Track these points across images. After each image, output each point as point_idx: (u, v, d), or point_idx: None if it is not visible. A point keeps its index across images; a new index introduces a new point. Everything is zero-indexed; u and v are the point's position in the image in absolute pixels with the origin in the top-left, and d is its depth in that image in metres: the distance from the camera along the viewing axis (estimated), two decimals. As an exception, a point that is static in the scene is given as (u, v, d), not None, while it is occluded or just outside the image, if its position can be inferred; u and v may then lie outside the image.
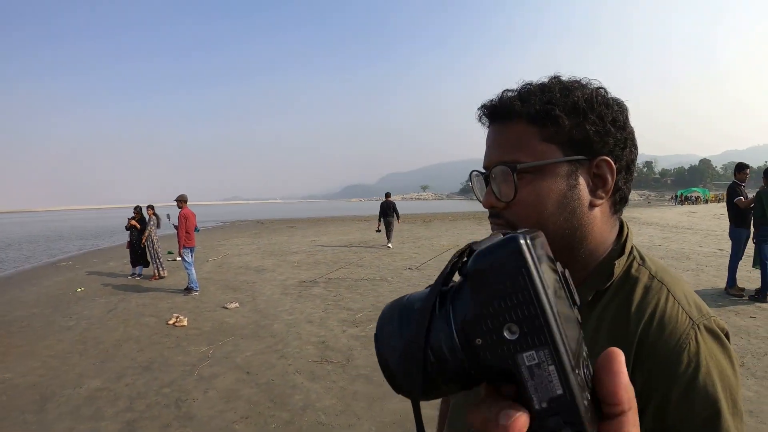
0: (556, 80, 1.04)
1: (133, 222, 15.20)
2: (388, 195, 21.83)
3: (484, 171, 1.09)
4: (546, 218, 1.00)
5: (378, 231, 21.60)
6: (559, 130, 0.99)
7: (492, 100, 1.07)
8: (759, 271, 9.24)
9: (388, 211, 21.11)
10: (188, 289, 11.95)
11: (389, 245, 20.73)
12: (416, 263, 14.87)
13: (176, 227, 12.33)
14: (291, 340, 7.75)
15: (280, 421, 5.04)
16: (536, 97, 1.01)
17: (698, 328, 0.93)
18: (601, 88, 1.04)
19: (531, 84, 1.05)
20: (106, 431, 5.15)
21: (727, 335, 0.97)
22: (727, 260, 10.06)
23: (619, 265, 1.04)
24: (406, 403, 5.26)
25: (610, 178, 1.01)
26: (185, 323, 9.07)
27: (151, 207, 15.18)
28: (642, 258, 1.08)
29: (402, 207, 23.57)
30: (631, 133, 1.05)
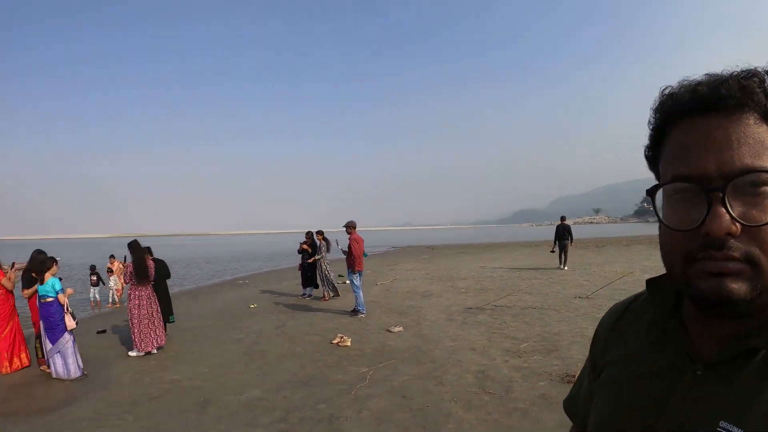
0: None
1: (305, 246, 15.69)
2: (563, 218, 22.21)
3: (696, 182, 0.77)
4: None
5: (552, 252, 22.36)
6: None
7: (701, 83, 0.80)
8: None
9: (563, 233, 21.38)
10: (355, 311, 12.12)
11: (564, 267, 21.25)
12: (586, 291, 14.16)
13: (345, 252, 12.58)
14: (450, 367, 7.54)
15: (430, 449, 4.88)
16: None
17: None
18: None
19: (754, 69, 0.78)
20: (258, 439, 5.26)
21: None
22: None
23: None
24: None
25: None
26: (348, 343, 9.15)
27: (320, 232, 15.60)
28: None
29: (573, 231, 22.96)
30: None
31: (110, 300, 17.59)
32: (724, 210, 0.73)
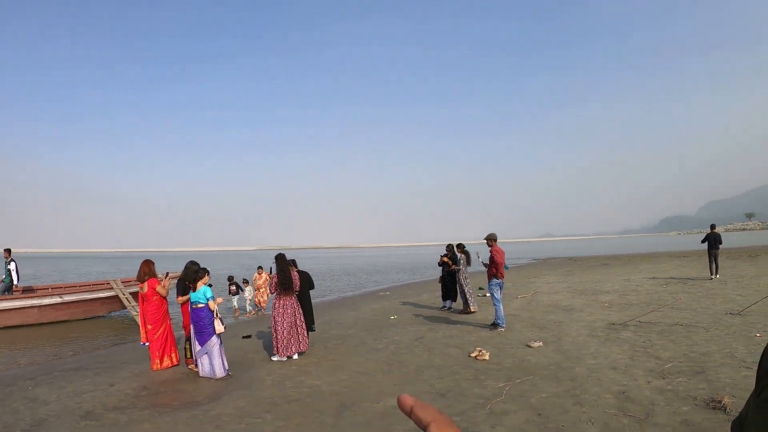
0: None
1: (446, 258, 15.83)
2: (713, 227, 22.29)
3: None
4: None
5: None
6: None
7: None
8: None
9: (713, 243, 21.53)
10: (495, 325, 12.12)
11: (716, 276, 21.29)
12: (739, 307, 13.36)
13: (485, 264, 12.61)
14: (590, 386, 7.41)
15: (567, 471, 4.85)
16: None
17: None
18: None
19: None
20: (390, 447, 5.42)
21: None
22: None
23: None
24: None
25: None
26: (487, 357, 9.18)
27: (460, 246, 15.66)
28: None
29: (724, 240, 21.98)
30: None
31: (247, 308, 18.76)
32: None
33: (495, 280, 12.20)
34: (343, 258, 79.27)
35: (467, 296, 14.98)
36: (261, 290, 18.89)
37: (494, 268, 12.22)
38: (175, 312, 10.43)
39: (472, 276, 16.20)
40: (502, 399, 6.94)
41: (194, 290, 8.97)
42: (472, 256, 15.29)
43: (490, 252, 12.34)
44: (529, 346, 10.02)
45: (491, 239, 12.39)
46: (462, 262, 15.22)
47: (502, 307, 12.17)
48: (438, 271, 16.65)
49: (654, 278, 23.31)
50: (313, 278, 11.83)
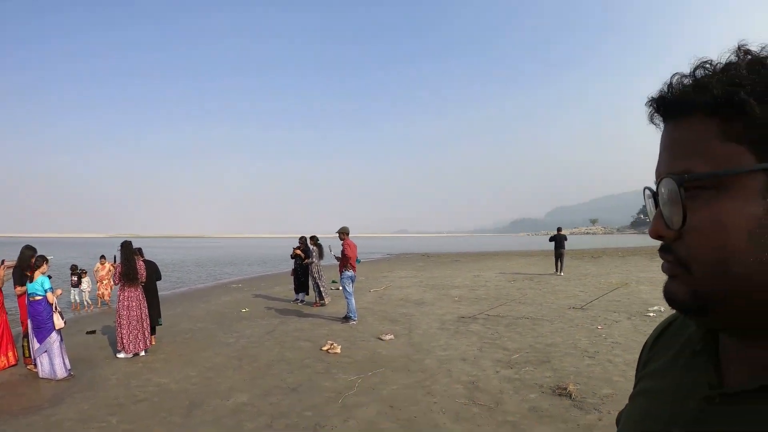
0: (744, 53, 0.71)
1: (298, 251, 15.69)
2: (559, 229, 25.03)
3: (653, 189, 0.80)
4: (731, 257, 0.68)
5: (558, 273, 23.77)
6: (750, 123, 0.67)
7: (661, 89, 0.78)
8: None
9: (559, 243, 23.92)
10: (346, 318, 12.07)
11: (561, 273, 23.46)
12: (581, 302, 14.07)
13: (337, 258, 12.53)
14: (441, 377, 7.46)
15: (417, 461, 4.78)
16: (715, 78, 0.71)
17: None
18: None
19: (710, 62, 0.74)
20: (242, 445, 5.17)
21: None
22: None
23: None
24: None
25: None
26: (338, 350, 9.08)
27: (313, 238, 15.54)
28: None
29: (570, 242, 23.63)
30: None
31: (84, 302, 17.45)
32: (658, 214, 0.76)
33: (347, 273, 12.20)
34: (196, 248, 77.11)
35: (320, 289, 14.86)
36: (104, 282, 17.40)
37: (345, 262, 12.24)
38: (12, 306, 9.55)
39: (325, 269, 16.06)
40: (354, 392, 6.84)
41: (31, 280, 8.19)
42: (325, 250, 15.19)
43: (342, 245, 12.32)
44: (381, 339, 10.02)
45: (343, 233, 12.34)
46: (315, 254, 15.09)
47: (353, 301, 12.16)
48: (291, 264, 16.40)
49: (503, 274, 24.36)
50: (162, 269, 11.28)
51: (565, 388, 6.65)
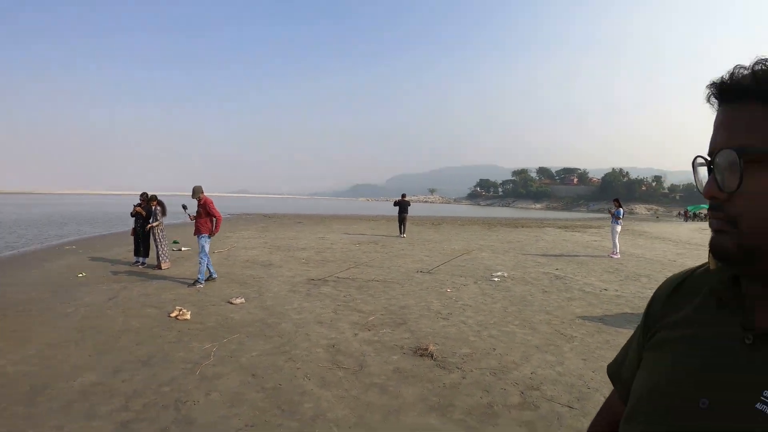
0: None
1: (139, 209, 14.82)
2: (404, 195, 26.59)
3: (707, 158, 0.93)
4: None
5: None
6: None
7: (722, 77, 0.91)
8: None
9: (403, 208, 25.90)
10: (196, 281, 11.57)
11: (404, 235, 25.38)
12: (428, 266, 14.49)
13: (192, 217, 12.03)
14: (300, 342, 7.33)
15: (289, 431, 4.63)
16: None
17: None
18: None
19: (766, 61, 0.87)
20: (98, 432, 4.75)
21: None
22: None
23: None
24: (423, 418, 4.90)
25: None
26: (188, 317, 8.67)
27: (154, 198, 14.77)
28: None
29: (411, 208, 24.49)
30: None
31: None
32: (711, 179, 0.90)
33: (205, 235, 11.76)
34: (23, 206, 71.64)
35: (159, 251, 14.17)
36: None
37: (208, 221, 11.93)
38: None
39: (168, 229, 15.38)
40: (212, 362, 6.52)
41: None
42: (173, 209, 14.51)
43: (202, 203, 11.87)
44: (232, 303, 9.71)
45: (200, 191, 11.84)
46: (159, 214, 14.36)
47: (206, 263, 11.71)
48: (131, 223, 15.53)
49: (348, 237, 24.59)
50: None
51: (426, 349, 6.78)
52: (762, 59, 0.86)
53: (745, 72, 0.87)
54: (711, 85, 0.92)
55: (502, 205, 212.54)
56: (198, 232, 11.84)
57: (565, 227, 36.97)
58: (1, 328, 8.17)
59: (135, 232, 15.04)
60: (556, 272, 13.96)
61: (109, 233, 27.69)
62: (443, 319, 8.55)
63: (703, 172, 0.94)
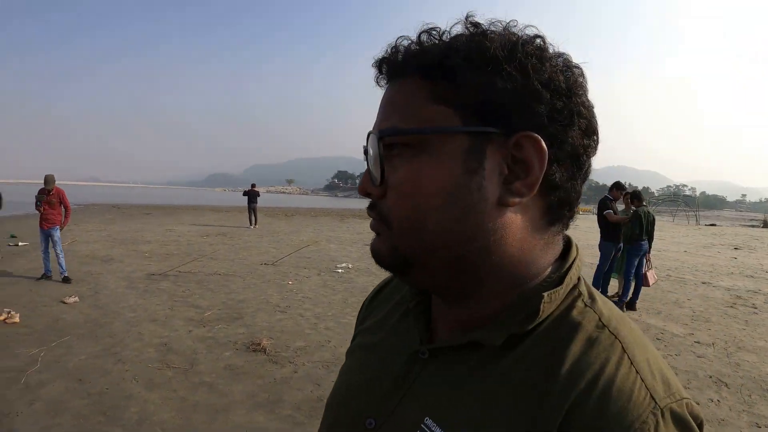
0: (471, 24, 0.74)
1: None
2: (253, 185, 27.63)
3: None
4: (425, 214, 0.71)
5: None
6: (459, 88, 0.70)
7: (385, 51, 0.78)
8: (620, 279, 10.31)
9: (253, 198, 26.56)
10: (66, 278, 11.18)
11: (255, 226, 25.79)
12: (273, 258, 14.54)
13: (39, 209, 11.28)
14: (131, 342, 7.21)
15: (112, 439, 4.61)
16: (436, 44, 0.73)
17: (661, 413, 0.63)
18: (540, 37, 0.73)
19: (437, 29, 0.75)
20: None
21: (701, 426, 0.67)
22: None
23: (552, 300, 0.73)
24: (250, 416, 5.01)
25: (537, 166, 0.69)
26: (17, 320, 8.23)
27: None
28: (591, 297, 0.77)
29: (266, 199, 24.42)
30: (584, 106, 0.73)
31: None
32: (366, 171, 0.78)
33: (58, 227, 11.38)
34: None
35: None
36: None
37: (61, 213, 11.53)
38: None
39: (7, 222, 14.54)
40: (38, 368, 6.27)
41: None
42: (6, 199, 13.69)
43: (56, 194, 11.36)
44: (65, 303, 9.33)
45: (53, 181, 11.35)
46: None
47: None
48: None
49: (196, 229, 24.05)
50: None
51: (259, 344, 6.89)
52: (431, 27, 0.75)
53: (411, 44, 0.75)
54: (375, 62, 0.80)
55: (360, 197, 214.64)
56: (51, 224, 11.29)
57: None
58: None
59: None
60: (398, 263, 14.40)
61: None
62: (281, 312, 8.69)
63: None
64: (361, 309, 1.14)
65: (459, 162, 0.69)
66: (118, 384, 5.78)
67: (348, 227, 27.85)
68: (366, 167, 0.78)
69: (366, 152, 0.77)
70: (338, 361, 6.43)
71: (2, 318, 8.27)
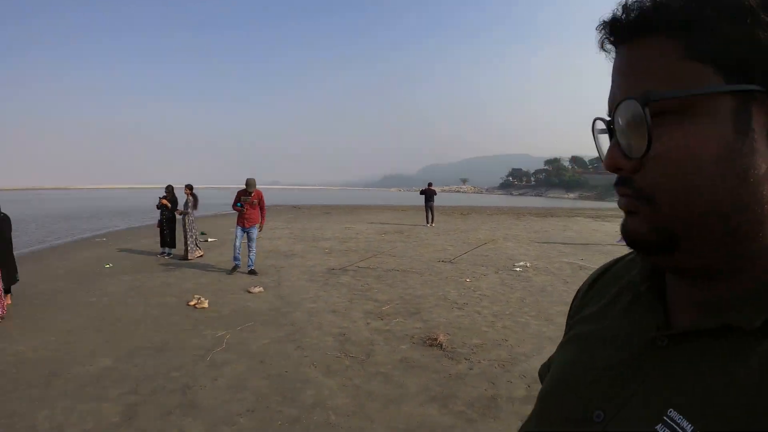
0: None
1: (164, 201, 14.99)
2: (430, 184, 27.12)
3: (607, 118, 0.71)
4: (697, 184, 0.62)
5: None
6: (715, 42, 0.60)
7: (614, 10, 0.68)
8: None
9: (429, 197, 26.16)
10: (251, 271, 11.97)
11: (432, 224, 25.41)
12: (450, 256, 14.45)
13: (240, 209, 12.17)
14: (310, 330, 7.44)
15: (287, 418, 4.72)
16: None
17: None
18: None
19: None
20: (104, 413, 4.93)
21: None
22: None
23: None
24: (423, 408, 4.92)
25: None
26: (206, 305, 8.85)
27: (188, 187, 14.93)
28: None
29: (441, 198, 24.42)
30: None
31: None
32: (614, 145, 0.68)
33: (257, 225, 12.30)
34: (54, 201, 72.72)
35: (188, 241, 14.36)
36: None
37: (259, 213, 12.27)
38: None
39: (198, 220, 15.56)
40: (223, 348, 6.67)
41: None
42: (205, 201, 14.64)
43: (255, 196, 12.13)
44: (250, 292, 9.87)
45: (254, 184, 12.19)
46: (190, 204, 14.52)
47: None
48: (157, 215, 15.71)
49: (374, 227, 24.54)
50: (17, 224, 10.48)
51: (436, 339, 6.78)
52: None
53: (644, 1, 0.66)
54: (602, 24, 0.71)
55: (534, 195, 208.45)
56: (252, 223, 12.09)
57: (596, 217, 36.11)
58: (26, 316, 8.48)
59: (161, 223, 15.24)
60: (581, 262, 13.75)
61: (138, 225, 28.06)
62: (458, 309, 8.56)
63: (606, 139, 0.73)
64: (574, 299, 1.03)
65: (730, 125, 0.60)
66: (296, 368, 5.95)
67: (525, 225, 27.21)
68: (604, 145, 0.72)
69: (609, 124, 0.70)
70: (514, 360, 6.20)
71: (192, 303, 8.89)
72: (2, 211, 9.56)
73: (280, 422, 4.64)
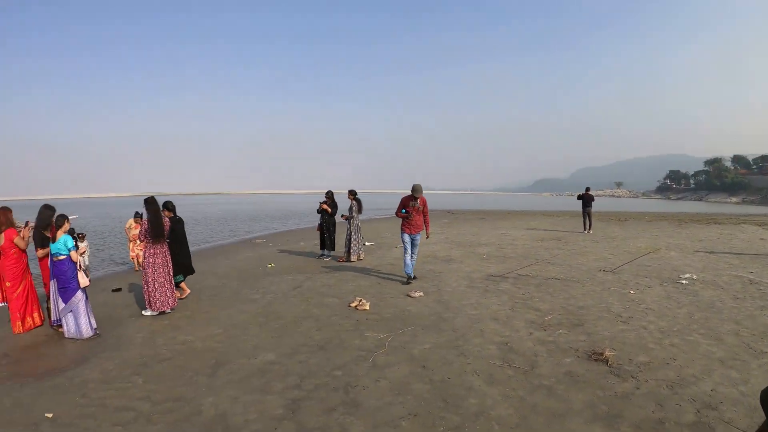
0: None
1: (325, 206, 15.37)
2: (588, 189, 25.96)
3: None
4: None
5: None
6: None
7: None
8: None
9: (587, 201, 25.05)
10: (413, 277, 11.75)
11: (590, 231, 24.58)
12: (611, 265, 13.81)
13: (404, 216, 12.09)
14: (472, 337, 7.30)
15: (450, 425, 4.62)
16: None
17: None
18: None
19: None
20: (269, 405, 5.11)
21: None
22: None
23: None
24: (589, 426, 4.66)
25: None
26: (367, 307, 8.97)
27: (352, 192, 15.20)
28: None
29: (595, 204, 23.63)
30: None
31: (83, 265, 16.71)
32: None
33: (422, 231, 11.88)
34: (219, 205, 77.10)
35: (351, 245, 14.65)
36: (138, 242, 14.66)
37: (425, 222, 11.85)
38: (34, 267, 9.31)
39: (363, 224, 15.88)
40: (385, 351, 6.71)
41: (53, 240, 7.97)
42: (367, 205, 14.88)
43: (421, 202, 11.69)
44: (410, 296, 9.90)
45: (420, 190, 11.68)
46: (354, 209, 14.86)
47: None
48: (317, 219, 16.15)
49: (530, 233, 24.05)
50: (186, 226, 11.11)
51: (601, 354, 6.44)
52: None
53: None
54: None
55: (694, 199, 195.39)
56: (418, 229, 11.76)
57: (765, 224, 33.23)
58: (195, 310, 9.04)
59: (321, 227, 15.65)
60: (751, 276, 12.74)
61: (296, 228, 29.04)
62: (623, 322, 8.13)
63: None
64: None
65: None
66: (459, 375, 5.85)
67: (687, 233, 25.27)
68: None
69: None
70: (683, 382, 5.71)
71: (354, 304, 9.03)
72: (177, 214, 10.18)
73: (442, 429, 4.55)
